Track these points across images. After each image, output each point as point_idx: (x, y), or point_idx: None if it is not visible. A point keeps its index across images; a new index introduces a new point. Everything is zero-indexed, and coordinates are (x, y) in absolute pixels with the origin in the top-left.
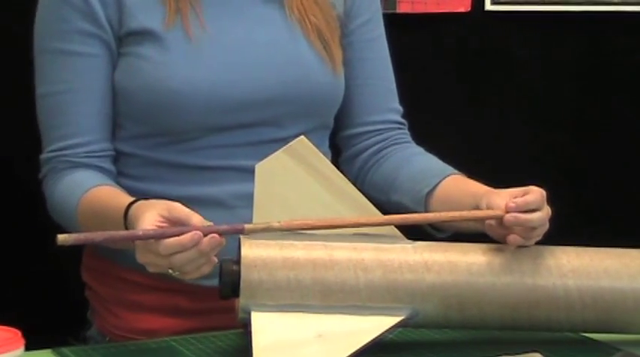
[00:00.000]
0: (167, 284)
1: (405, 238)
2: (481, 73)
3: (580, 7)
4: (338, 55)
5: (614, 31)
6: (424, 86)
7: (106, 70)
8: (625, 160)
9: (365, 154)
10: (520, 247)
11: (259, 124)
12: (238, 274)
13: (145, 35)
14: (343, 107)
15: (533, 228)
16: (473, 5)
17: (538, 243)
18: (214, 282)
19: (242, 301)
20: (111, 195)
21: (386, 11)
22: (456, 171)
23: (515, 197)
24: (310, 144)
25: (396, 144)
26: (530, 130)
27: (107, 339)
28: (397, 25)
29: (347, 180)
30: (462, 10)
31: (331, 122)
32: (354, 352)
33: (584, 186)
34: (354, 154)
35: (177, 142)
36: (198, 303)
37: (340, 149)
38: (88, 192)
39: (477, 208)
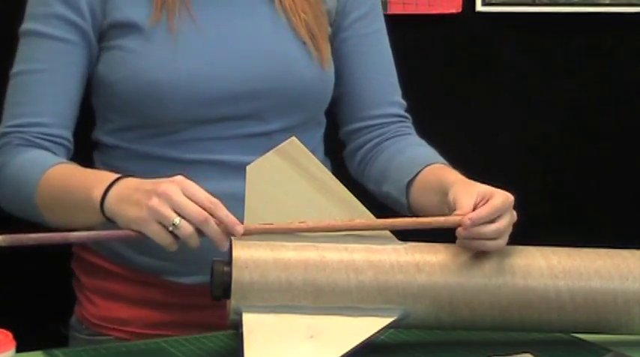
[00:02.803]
0: (143, 277)
1: (396, 239)
2: (471, 74)
3: (571, 8)
4: (326, 50)
5: (605, 32)
6: (414, 87)
7: (80, 59)
8: (618, 159)
9: (364, 148)
10: (506, 248)
11: (242, 118)
12: (229, 275)
13: (129, 28)
14: (344, 102)
15: (489, 238)
16: (464, 6)
17: (526, 243)
18: (192, 279)
19: (233, 302)
20: (80, 170)
21: None
22: (442, 161)
23: (482, 200)
24: (301, 145)
25: (396, 136)
26: (521, 131)
27: (83, 326)
28: (387, 26)
29: (337, 181)
30: (452, 11)
31: (322, 118)
32: (346, 354)
33: (578, 185)
34: (355, 149)
35: (160, 135)
36: (172, 297)
37: (344, 144)
38: (51, 168)
39: (445, 197)
